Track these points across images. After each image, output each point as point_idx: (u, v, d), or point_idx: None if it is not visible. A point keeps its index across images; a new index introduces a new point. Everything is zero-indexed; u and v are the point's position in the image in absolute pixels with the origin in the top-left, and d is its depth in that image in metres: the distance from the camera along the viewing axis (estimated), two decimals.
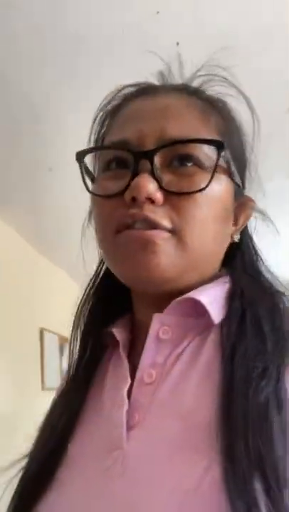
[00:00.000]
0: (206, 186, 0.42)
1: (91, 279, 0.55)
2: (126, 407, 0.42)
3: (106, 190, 0.45)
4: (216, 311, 0.44)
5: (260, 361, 0.38)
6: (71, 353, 0.53)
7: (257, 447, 0.33)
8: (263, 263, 0.52)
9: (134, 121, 0.45)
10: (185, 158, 0.43)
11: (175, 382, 0.42)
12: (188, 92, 0.48)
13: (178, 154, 0.43)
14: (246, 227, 0.52)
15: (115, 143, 0.45)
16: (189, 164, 0.43)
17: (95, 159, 0.51)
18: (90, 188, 0.48)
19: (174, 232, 0.42)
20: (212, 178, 0.42)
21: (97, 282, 0.55)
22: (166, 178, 0.43)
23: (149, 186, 0.41)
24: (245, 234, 0.52)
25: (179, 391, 0.41)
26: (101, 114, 0.52)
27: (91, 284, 0.55)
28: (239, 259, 0.51)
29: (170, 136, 0.43)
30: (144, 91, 0.50)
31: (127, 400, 0.43)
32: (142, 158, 0.42)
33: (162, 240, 0.42)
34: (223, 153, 0.43)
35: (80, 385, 0.50)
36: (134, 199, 0.42)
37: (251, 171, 0.52)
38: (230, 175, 0.46)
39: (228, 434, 0.34)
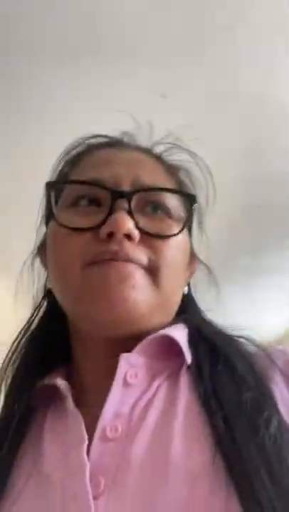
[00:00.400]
0: (179, 232, 0.45)
1: (25, 325, 0.51)
2: (87, 472, 0.35)
3: (75, 224, 0.44)
4: (187, 353, 0.43)
5: (248, 397, 0.37)
6: None
7: (281, 479, 0.31)
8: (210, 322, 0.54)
9: (108, 165, 0.47)
10: (157, 206, 0.46)
11: (153, 434, 0.37)
12: (152, 154, 0.53)
13: (151, 201, 0.46)
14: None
15: (91, 180, 0.46)
16: (160, 212, 0.46)
17: (50, 195, 0.48)
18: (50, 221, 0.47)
19: (150, 269, 0.43)
20: (184, 226, 0.46)
21: (32, 329, 0.50)
22: (141, 220, 0.44)
23: (129, 223, 0.42)
24: (189, 287, 0.56)
25: (162, 444, 0.35)
26: (64, 156, 0.54)
27: (24, 331, 0.50)
28: (191, 308, 0.53)
29: (145, 183, 0.46)
30: (112, 143, 0.53)
31: (87, 464, 0.35)
32: (119, 197, 0.43)
33: (140, 275, 0.42)
34: (193, 212, 0.48)
35: (6, 453, 0.41)
36: (110, 235, 0.42)
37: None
38: (189, 229, 0.51)
39: (247, 475, 0.31)
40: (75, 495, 0.34)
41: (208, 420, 0.36)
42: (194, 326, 0.47)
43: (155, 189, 0.46)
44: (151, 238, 0.44)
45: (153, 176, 0.48)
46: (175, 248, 0.45)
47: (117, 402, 0.39)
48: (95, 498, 0.33)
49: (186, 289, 0.53)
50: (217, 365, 0.41)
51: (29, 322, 0.51)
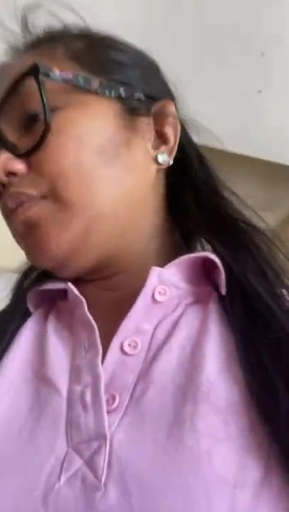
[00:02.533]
0: (46, 129, 0.35)
1: None
2: (102, 383, 0.32)
3: None
4: (223, 282, 0.36)
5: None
6: None
7: None
8: (221, 183, 0.42)
9: None
10: (30, 117, 0.37)
11: (179, 357, 0.32)
12: (29, 47, 0.42)
13: (22, 115, 0.37)
14: (186, 147, 0.42)
15: None
16: (36, 120, 0.36)
17: None
18: None
19: (48, 196, 0.36)
20: (45, 115, 0.35)
21: None
22: (23, 143, 0.37)
23: (1, 161, 0.36)
24: (186, 150, 0.42)
25: (191, 368, 0.31)
26: None
27: None
28: (192, 198, 0.42)
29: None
30: None
31: (102, 375, 0.32)
32: None
33: (45, 211, 0.36)
34: (46, 75, 0.35)
35: None
36: (2, 186, 0.37)
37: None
38: (98, 91, 0.38)
39: (281, 417, 0.27)
40: (85, 405, 0.31)
41: (242, 356, 0.31)
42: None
43: (2, 101, 0.37)
44: (33, 158, 0.36)
45: (10, 79, 0.37)
46: (64, 146, 0.35)
47: (139, 317, 0.34)
48: (107, 412, 0.30)
49: (163, 156, 0.40)
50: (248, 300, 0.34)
51: None
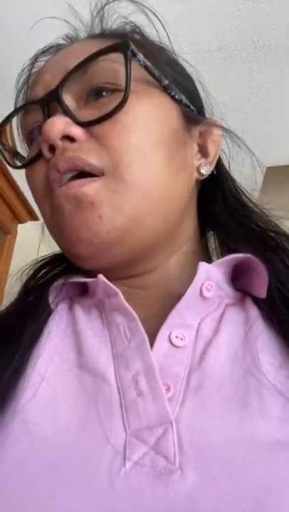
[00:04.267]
0: (124, 101, 0.34)
1: None
2: (157, 370, 0.30)
3: (27, 158, 0.39)
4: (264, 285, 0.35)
5: None
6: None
7: None
8: (248, 198, 0.44)
9: (40, 77, 0.41)
10: (98, 90, 0.37)
11: (229, 354, 0.32)
12: (93, 37, 0.44)
13: (87, 87, 0.37)
14: (221, 164, 0.45)
15: (24, 104, 0.41)
16: (104, 92, 0.36)
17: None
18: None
19: (107, 172, 0.34)
20: (127, 88, 0.34)
21: None
22: (86, 113, 0.36)
23: (58, 123, 0.34)
24: (221, 169, 0.45)
25: (247, 362, 0.31)
26: (20, 94, 0.48)
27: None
28: (222, 200, 0.43)
29: (71, 68, 0.37)
30: (48, 50, 0.46)
31: (155, 363, 0.30)
32: (48, 102, 0.36)
33: (98, 187, 0.34)
34: (133, 55, 0.36)
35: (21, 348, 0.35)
36: (51, 148, 0.35)
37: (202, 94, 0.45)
38: (166, 90, 0.39)
39: None
40: (140, 392, 0.29)
41: None
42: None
43: (76, 67, 0.36)
44: (99, 128, 0.35)
45: (82, 56, 0.37)
46: (135, 125, 0.35)
47: (186, 310, 0.34)
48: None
49: (204, 170, 0.41)
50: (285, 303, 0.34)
51: None
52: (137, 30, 0.43)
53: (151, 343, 0.31)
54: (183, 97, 0.40)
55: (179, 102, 0.40)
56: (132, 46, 0.36)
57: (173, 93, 0.39)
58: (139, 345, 0.31)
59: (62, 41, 0.47)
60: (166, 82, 0.39)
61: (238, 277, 0.38)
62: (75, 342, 0.35)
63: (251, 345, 0.32)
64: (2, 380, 0.31)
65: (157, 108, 0.38)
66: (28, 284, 0.42)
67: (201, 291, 0.34)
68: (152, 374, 0.30)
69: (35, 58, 0.47)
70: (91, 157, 0.34)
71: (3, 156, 0.43)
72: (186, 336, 0.33)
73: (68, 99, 0.37)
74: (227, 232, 0.42)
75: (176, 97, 0.39)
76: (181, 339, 0.32)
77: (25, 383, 0.31)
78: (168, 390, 0.30)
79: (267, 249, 0.38)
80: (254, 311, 0.35)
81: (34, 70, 0.47)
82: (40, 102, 0.37)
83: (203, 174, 0.42)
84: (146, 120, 0.36)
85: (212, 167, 0.43)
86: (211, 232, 0.46)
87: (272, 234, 0.40)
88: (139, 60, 0.37)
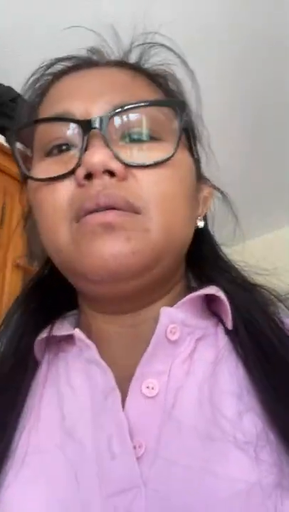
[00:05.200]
0: (171, 156, 0.37)
1: (34, 276, 0.47)
2: (126, 430, 0.31)
3: (50, 173, 0.37)
4: (229, 316, 0.38)
5: None
6: None
7: None
8: (220, 249, 0.48)
9: (78, 94, 0.39)
10: (140, 129, 0.37)
11: (198, 397, 0.33)
12: (128, 66, 0.44)
13: (132, 125, 0.37)
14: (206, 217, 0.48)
15: (56, 115, 0.38)
16: (145, 136, 0.37)
17: (14, 147, 0.41)
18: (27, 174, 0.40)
19: (142, 210, 0.36)
20: (178, 145, 0.37)
21: (42, 278, 0.47)
22: (125, 153, 0.36)
23: (104, 156, 0.35)
24: (206, 221, 0.48)
25: (211, 408, 0.32)
26: (30, 93, 0.45)
27: (34, 280, 0.47)
28: (206, 246, 0.47)
29: (120, 103, 0.37)
30: (79, 65, 0.44)
31: (125, 422, 0.32)
32: (91, 128, 0.35)
33: (130, 220, 0.35)
34: (184, 117, 0.38)
35: (10, 401, 0.37)
36: (88, 176, 0.35)
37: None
38: (189, 148, 0.42)
39: None
40: (113, 455, 0.31)
41: (256, 388, 0.33)
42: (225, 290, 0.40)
43: (133, 107, 0.37)
44: (138, 171, 0.36)
45: (131, 93, 0.39)
46: (170, 176, 0.37)
47: (154, 358, 0.35)
48: (136, 459, 0.30)
49: (200, 223, 0.45)
50: (255, 334, 0.36)
51: (42, 271, 0.47)
52: (175, 79, 0.44)
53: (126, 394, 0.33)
54: (196, 157, 0.43)
55: (196, 161, 0.43)
56: (188, 109, 0.38)
57: (195, 153, 0.42)
58: (113, 404, 0.33)
59: (86, 52, 0.46)
60: (192, 142, 0.42)
61: (213, 302, 0.41)
62: (58, 404, 0.36)
63: (218, 387, 0.34)
64: None
65: (187, 165, 0.40)
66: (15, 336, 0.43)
67: (166, 335, 0.36)
68: (123, 435, 0.31)
69: (55, 61, 0.45)
70: (131, 197, 0.35)
71: (17, 162, 0.40)
72: (157, 385, 0.34)
73: (109, 132, 0.36)
74: (213, 271, 0.45)
75: (196, 157, 0.43)
76: (152, 388, 0.34)
77: (10, 461, 0.33)
78: (140, 447, 0.31)
79: (234, 287, 0.42)
80: (223, 341, 0.38)
81: (52, 70, 0.45)
82: (83, 124, 0.36)
83: (198, 226, 0.45)
84: (181, 176, 0.38)
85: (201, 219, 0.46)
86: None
87: (237, 275, 0.44)
88: (182, 120, 0.38)
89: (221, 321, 0.40)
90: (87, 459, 0.32)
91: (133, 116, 0.37)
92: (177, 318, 0.37)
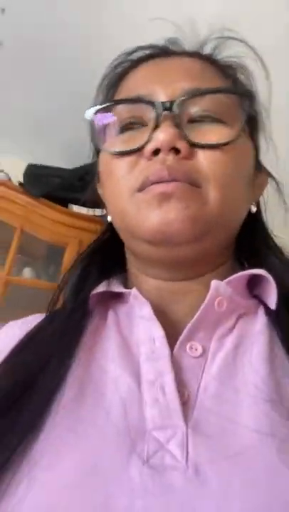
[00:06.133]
0: (234, 139, 0.40)
1: (96, 240, 0.53)
2: (172, 378, 0.35)
3: (121, 148, 0.42)
4: (274, 296, 0.40)
5: None
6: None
7: None
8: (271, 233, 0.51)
9: (153, 79, 0.43)
10: (209, 113, 0.41)
11: (233, 358, 0.37)
12: (202, 56, 0.47)
13: (202, 109, 0.41)
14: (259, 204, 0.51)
15: (133, 97, 0.43)
16: (213, 119, 0.41)
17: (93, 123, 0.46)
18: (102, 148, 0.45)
19: (202, 185, 0.39)
20: (241, 130, 0.41)
21: (100, 243, 0.53)
22: (192, 133, 0.40)
23: (172, 135, 0.38)
24: (259, 208, 0.51)
25: (245, 367, 0.36)
26: (111, 75, 0.50)
27: (95, 243, 0.53)
28: (259, 234, 0.50)
29: (193, 89, 0.41)
30: (157, 54, 0.48)
31: (172, 370, 0.35)
32: (164, 109, 0.40)
33: (190, 192, 0.38)
34: (249, 107, 0.42)
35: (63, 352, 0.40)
36: (156, 152, 0.39)
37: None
38: (252, 137, 0.45)
39: None
40: (159, 396, 0.34)
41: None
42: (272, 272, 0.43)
43: (202, 92, 0.41)
44: (202, 150, 0.40)
45: (202, 80, 0.42)
46: (231, 158, 0.40)
47: (200, 324, 0.39)
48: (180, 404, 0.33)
49: (253, 208, 0.48)
50: None
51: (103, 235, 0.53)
52: (245, 72, 0.48)
53: (172, 350, 0.37)
54: (257, 145, 0.47)
55: (256, 148, 0.46)
56: (252, 99, 0.42)
57: (256, 141, 0.46)
58: (162, 354, 0.37)
59: (165, 44, 0.50)
60: (256, 132, 0.45)
61: (256, 285, 0.43)
62: (109, 349, 0.40)
63: (253, 350, 0.37)
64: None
65: (247, 150, 0.44)
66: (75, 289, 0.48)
67: (213, 305, 0.39)
68: (169, 379, 0.35)
69: (137, 49, 0.50)
70: (193, 172, 0.39)
71: (93, 134, 0.45)
72: (200, 347, 0.38)
73: (181, 114, 0.40)
74: (253, 253, 0.49)
75: (256, 144, 0.46)
76: (196, 350, 0.38)
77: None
78: (183, 395, 0.34)
79: (282, 269, 0.44)
80: (262, 320, 0.40)
81: (133, 57, 0.49)
82: (156, 106, 0.40)
83: (252, 211, 0.48)
84: (240, 159, 0.42)
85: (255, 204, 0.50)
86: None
87: (285, 259, 0.47)
88: (246, 109, 0.42)
89: (261, 302, 0.42)
90: (135, 395, 0.35)
91: (202, 100, 0.41)
92: (226, 292, 0.40)
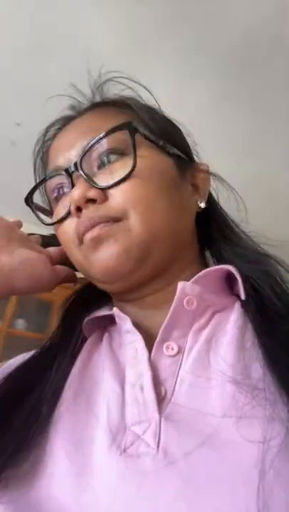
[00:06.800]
0: (134, 165, 0.43)
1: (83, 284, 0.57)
2: (150, 378, 0.38)
3: (58, 215, 0.48)
4: (242, 289, 0.42)
5: None
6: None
7: None
8: (236, 225, 0.53)
9: (60, 148, 0.49)
10: (107, 155, 0.45)
11: (206, 350, 0.39)
12: (98, 105, 0.53)
13: (100, 154, 0.45)
14: (211, 197, 0.54)
15: (50, 174, 0.49)
16: (113, 157, 0.45)
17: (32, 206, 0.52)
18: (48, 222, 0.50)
19: (122, 218, 0.43)
20: (135, 158, 0.44)
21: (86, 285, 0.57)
22: (101, 178, 0.45)
23: (80, 190, 0.43)
24: (212, 201, 0.54)
25: (216, 356, 0.38)
26: (38, 158, 0.57)
27: (82, 286, 0.57)
28: (215, 227, 0.52)
29: (88, 143, 0.45)
30: (62, 123, 0.54)
31: (150, 372, 0.39)
32: (72, 172, 0.45)
33: (114, 228, 0.43)
34: (137, 132, 0.45)
35: (63, 360, 0.46)
36: (78, 209, 0.44)
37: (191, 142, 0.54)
38: (162, 148, 0.48)
39: None
40: (138, 395, 0.38)
41: (260, 342, 0.37)
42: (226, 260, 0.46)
43: (92, 145, 0.45)
44: (115, 188, 0.44)
45: (99, 128, 0.46)
46: (141, 182, 0.44)
47: (173, 325, 0.41)
48: (157, 400, 0.37)
49: (201, 204, 0.50)
50: (264, 307, 0.40)
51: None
52: (131, 97, 0.52)
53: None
54: (175, 150, 0.49)
55: (172, 155, 0.49)
56: (134, 123, 0.45)
57: (168, 149, 0.48)
58: (142, 358, 0.40)
59: (68, 112, 0.56)
60: (161, 142, 0.48)
61: (234, 282, 0.45)
62: (102, 361, 0.45)
63: (225, 338, 0.39)
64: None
65: (157, 164, 0.46)
66: (65, 319, 0.53)
67: (183, 306, 0.41)
68: (147, 380, 0.38)
69: (47, 130, 0.56)
70: (110, 212, 0.43)
71: (36, 215, 0.51)
72: (175, 346, 0.41)
73: (86, 168, 0.45)
74: (219, 251, 0.50)
75: (171, 151, 0.48)
76: (172, 349, 0.40)
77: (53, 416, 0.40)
78: (160, 393, 0.37)
79: (243, 260, 0.46)
80: (237, 312, 0.42)
81: (47, 137, 0.56)
82: (66, 172, 0.46)
83: (200, 207, 0.51)
84: (150, 176, 0.45)
85: (205, 201, 0.52)
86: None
87: (260, 249, 0.48)
88: (140, 132, 0.46)
89: (238, 297, 0.43)
90: (119, 395, 0.39)
91: (100, 146, 0.45)
92: (194, 291, 0.42)
